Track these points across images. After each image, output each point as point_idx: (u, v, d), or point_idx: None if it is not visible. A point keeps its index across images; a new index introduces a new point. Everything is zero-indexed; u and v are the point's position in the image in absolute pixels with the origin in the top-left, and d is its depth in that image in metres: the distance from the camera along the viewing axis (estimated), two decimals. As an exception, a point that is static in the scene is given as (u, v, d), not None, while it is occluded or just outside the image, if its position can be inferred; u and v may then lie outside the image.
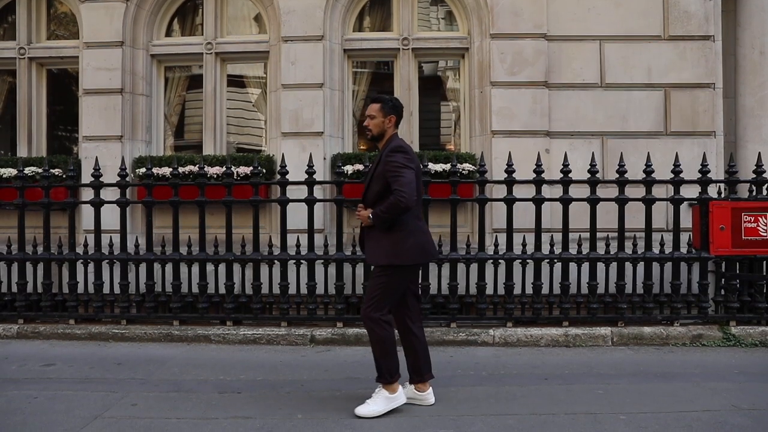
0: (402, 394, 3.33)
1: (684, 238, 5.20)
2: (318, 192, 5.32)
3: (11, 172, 5.78)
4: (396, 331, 3.41)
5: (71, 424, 3.13)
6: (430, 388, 3.46)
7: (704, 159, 5.01)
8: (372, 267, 3.43)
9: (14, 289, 5.38)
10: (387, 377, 3.28)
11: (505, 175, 4.98)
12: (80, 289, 5.34)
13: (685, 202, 5.10)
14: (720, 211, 4.89)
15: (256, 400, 3.50)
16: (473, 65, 6.09)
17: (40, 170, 5.62)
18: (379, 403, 3.26)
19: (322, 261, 5.12)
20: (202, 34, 6.38)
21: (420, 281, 4.92)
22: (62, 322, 5.25)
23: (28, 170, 5.76)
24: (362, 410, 3.23)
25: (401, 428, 3.07)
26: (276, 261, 5.11)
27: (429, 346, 4.70)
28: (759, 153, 5.10)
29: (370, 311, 3.28)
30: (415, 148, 6.14)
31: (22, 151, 6.46)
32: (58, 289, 5.39)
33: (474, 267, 5.12)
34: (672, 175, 4.99)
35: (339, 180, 5.06)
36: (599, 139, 5.91)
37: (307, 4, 5.98)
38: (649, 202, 4.99)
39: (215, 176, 5.64)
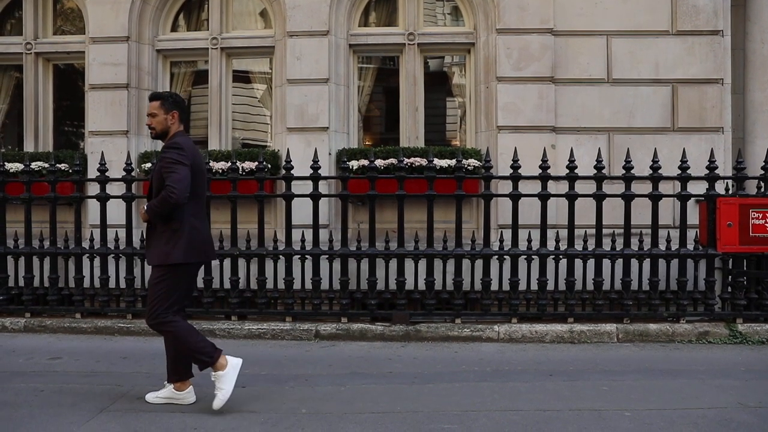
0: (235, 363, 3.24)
1: (691, 234, 5.17)
2: (323, 187, 5.32)
3: (18, 166, 5.80)
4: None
5: (77, 417, 3.14)
6: (191, 386, 3.38)
7: (712, 155, 4.97)
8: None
9: (21, 283, 5.41)
10: (207, 360, 3.19)
11: (511, 171, 4.96)
12: (86, 283, 5.37)
13: (693, 199, 5.07)
14: (727, 207, 4.86)
15: (260, 395, 3.51)
16: (479, 60, 6.06)
17: (46, 165, 5.65)
18: (226, 383, 3.18)
19: (327, 256, 5.12)
20: (208, 29, 6.38)
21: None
22: (68, 316, 5.28)
23: (34, 165, 5.79)
24: (217, 404, 3.16)
25: (405, 423, 3.06)
26: (281, 256, 5.12)
27: (433, 342, 4.76)
28: (768, 149, 5.07)
29: (154, 315, 3.21)
30: (421, 143, 6.13)
31: (28, 146, 6.49)
32: (65, 283, 5.41)
33: (479, 263, 5.11)
34: (679, 172, 4.95)
35: (344, 175, 5.06)
36: (606, 134, 5.88)
37: (313, -2, 5.97)
38: (655, 198, 4.96)
39: (220, 171, 5.64)
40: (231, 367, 3.22)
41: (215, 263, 5.24)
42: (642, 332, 4.81)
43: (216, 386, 3.20)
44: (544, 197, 4.95)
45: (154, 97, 3.38)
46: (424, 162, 5.35)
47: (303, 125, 5.95)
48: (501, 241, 5.10)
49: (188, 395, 3.37)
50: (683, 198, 4.97)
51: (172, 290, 3.24)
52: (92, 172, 5.80)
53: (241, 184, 5.29)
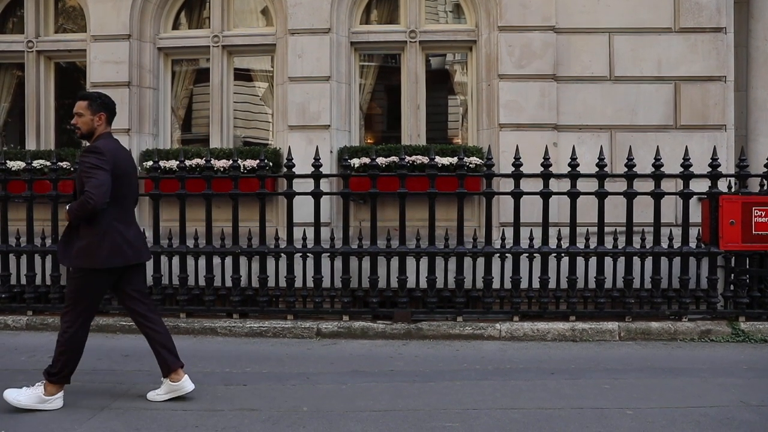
0: (59, 399, 3.24)
1: (693, 232, 5.15)
2: (325, 185, 5.31)
3: (20, 164, 5.81)
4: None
5: (79, 415, 3.15)
6: (185, 375, 3.39)
7: (714, 153, 4.96)
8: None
9: (23, 281, 5.41)
10: (53, 376, 3.21)
11: (513, 169, 4.95)
12: (88, 281, 5.37)
13: (695, 197, 5.05)
14: (730, 205, 4.84)
15: (261, 393, 3.51)
16: (481, 58, 6.05)
17: (48, 163, 5.65)
18: (30, 396, 3.20)
19: (329, 254, 5.12)
20: (209, 27, 6.37)
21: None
22: (70, 314, 5.29)
23: (36, 163, 5.78)
24: (8, 393, 3.19)
25: (407, 421, 3.06)
26: (282, 254, 5.12)
27: (435, 340, 4.77)
28: (770, 147, 5.05)
29: (63, 313, 3.28)
30: (422, 141, 6.12)
31: (30, 144, 6.49)
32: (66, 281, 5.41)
33: (481, 261, 5.10)
34: (681, 169, 4.93)
35: (346, 173, 5.05)
36: (608, 132, 5.86)
37: (314, -4, 5.95)
38: (657, 196, 4.94)
39: (222, 169, 5.64)
40: (47, 401, 3.21)
41: (216, 261, 5.24)
42: (644, 330, 4.80)
43: (30, 387, 3.23)
44: (545, 195, 4.94)
45: (82, 96, 3.38)
46: (425, 160, 5.34)
47: (304, 123, 5.95)
48: (503, 239, 5.09)
49: (185, 383, 3.37)
50: (685, 196, 4.95)
51: (84, 293, 3.26)
52: (94, 170, 5.80)
53: (243, 182, 5.29)
